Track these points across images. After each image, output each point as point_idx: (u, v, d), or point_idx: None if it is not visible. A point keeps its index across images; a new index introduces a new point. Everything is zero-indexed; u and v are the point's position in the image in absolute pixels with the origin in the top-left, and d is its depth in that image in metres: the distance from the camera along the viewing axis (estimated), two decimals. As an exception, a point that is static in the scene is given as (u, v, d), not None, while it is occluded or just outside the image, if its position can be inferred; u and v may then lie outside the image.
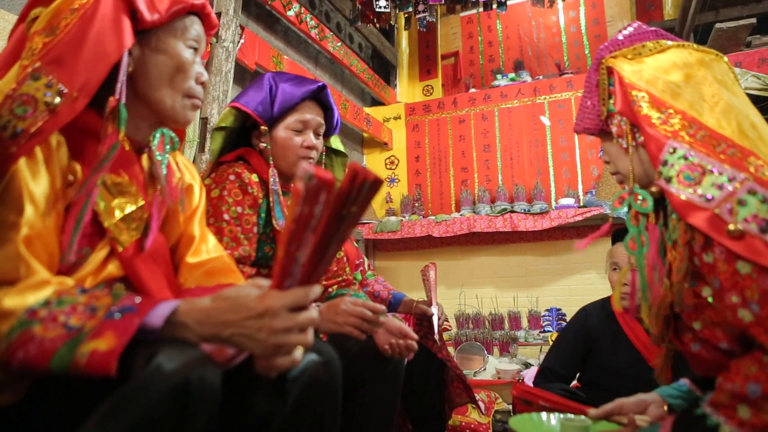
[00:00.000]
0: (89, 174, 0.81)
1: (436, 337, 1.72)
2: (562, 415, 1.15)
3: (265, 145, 1.38)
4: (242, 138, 1.44)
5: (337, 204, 0.62)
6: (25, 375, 0.71)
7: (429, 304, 1.80)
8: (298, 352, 0.73)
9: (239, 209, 1.29)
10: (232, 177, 1.32)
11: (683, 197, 0.84)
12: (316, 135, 1.43)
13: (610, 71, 0.99)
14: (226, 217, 1.27)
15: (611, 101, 0.99)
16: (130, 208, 0.90)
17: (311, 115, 1.42)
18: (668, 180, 0.87)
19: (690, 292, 0.87)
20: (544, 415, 1.16)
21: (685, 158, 0.86)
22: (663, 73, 0.94)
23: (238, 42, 2.64)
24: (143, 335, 0.68)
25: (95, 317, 0.67)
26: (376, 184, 0.63)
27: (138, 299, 0.71)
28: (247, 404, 0.83)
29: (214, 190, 1.30)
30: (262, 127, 1.38)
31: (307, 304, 0.70)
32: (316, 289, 0.70)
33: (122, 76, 0.86)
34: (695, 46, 0.98)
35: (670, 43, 0.98)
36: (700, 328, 0.87)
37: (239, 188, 1.31)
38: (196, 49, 0.97)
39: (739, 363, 0.79)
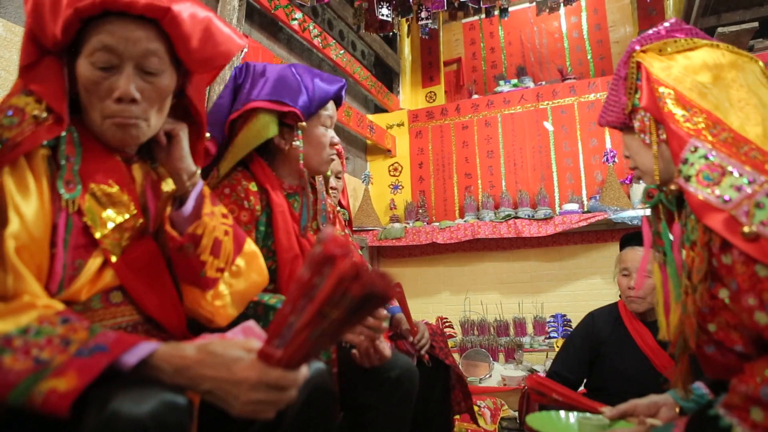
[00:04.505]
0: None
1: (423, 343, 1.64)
2: (580, 414, 1.14)
3: (298, 144, 1.31)
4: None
5: (318, 300, 0.58)
6: None
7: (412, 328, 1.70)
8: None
9: None
10: (226, 191, 1.25)
11: (701, 197, 0.83)
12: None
13: (638, 66, 0.98)
14: None
15: (637, 96, 0.99)
16: (121, 218, 0.89)
17: (333, 111, 1.39)
18: (687, 179, 0.86)
19: (707, 294, 0.86)
20: (562, 413, 1.15)
21: (706, 158, 0.85)
22: (692, 72, 0.93)
23: (242, 50, 2.65)
24: (116, 372, 0.66)
25: (66, 352, 0.65)
26: (368, 301, 0.55)
27: (113, 337, 0.69)
28: None
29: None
30: (302, 124, 1.31)
31: (290, 387, 0.69)
32: (303, 373, 0.70)
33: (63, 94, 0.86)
34: (730, 47, 0.96)
35: (703, 41, 0.97)
36: (715, 330, 0.86)
37: (234, 203, 1.24)
38: (106, 63, 0.84)
39: (754, 365, 0.78)
